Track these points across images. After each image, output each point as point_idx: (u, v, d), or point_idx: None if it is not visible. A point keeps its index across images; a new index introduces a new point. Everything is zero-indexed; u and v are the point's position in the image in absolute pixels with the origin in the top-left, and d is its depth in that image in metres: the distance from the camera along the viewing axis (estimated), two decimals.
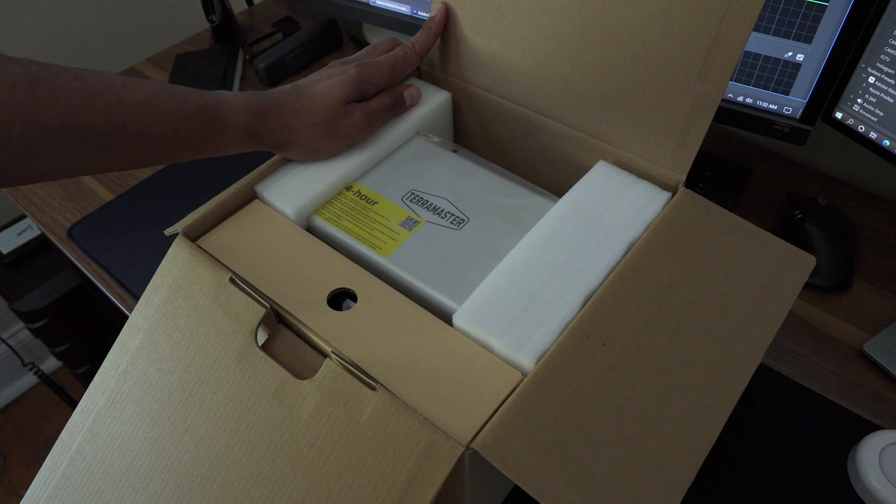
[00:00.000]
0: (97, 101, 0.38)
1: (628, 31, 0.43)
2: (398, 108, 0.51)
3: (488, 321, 0.38)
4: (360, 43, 1.01)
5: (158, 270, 0.42)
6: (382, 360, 0.37)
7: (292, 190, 0.46)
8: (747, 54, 0.60)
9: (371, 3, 0.85)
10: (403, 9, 0.82)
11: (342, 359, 0.36)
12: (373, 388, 0.35)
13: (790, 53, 0.58)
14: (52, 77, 0.37)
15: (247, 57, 0.97)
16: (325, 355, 0.38)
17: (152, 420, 0.39)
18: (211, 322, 0.39)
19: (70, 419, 0.41)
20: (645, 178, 0.46)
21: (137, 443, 0.39)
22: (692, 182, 0.43)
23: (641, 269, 0.40)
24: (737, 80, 0.63)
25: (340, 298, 0.41)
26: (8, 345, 1.40)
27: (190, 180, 0.80)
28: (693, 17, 0.40)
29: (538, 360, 0.36)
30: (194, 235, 0.44)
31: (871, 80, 0.57)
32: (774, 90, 0.61)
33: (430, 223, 0.46)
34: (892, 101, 0.56)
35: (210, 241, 0.44)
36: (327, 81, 0.47)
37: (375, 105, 0.49)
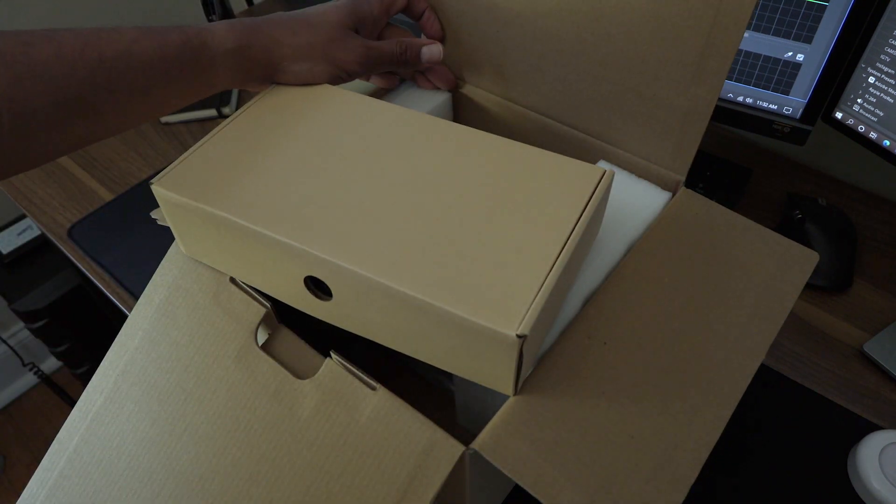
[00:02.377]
0: (77, 66, 0.35)
1: (619, 34, 0.43)
2: (410, 60, 0.47)
3: None
4: None
5: (158, 270, 0.42)
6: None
7: None
8: (747, 54, 0.60)
9: None
10: None
11: (342, 359, 0.36)
12: (373, 388, 0.35)
13: (790, 53, 0.58)
14: (25, 49, 0.34)
15: None
16: (325, 355, 0.38)
17: (151, 419, 0.39)
18: (211, 321, 0.39)
19: (68, 419, 0.41)
20: (645, 179, 0.46)
21: (136, 442, 0.39)
22: (692, 182, 0.43)
23: (642, 268, 0.40)
24: (737, 80, 0.63)
25: (316, 284, 0.38)
26: (8, 345, 1.40)
27: None
28: (683, 20, 0.40)
29: (538, 359, 0.36)
30: None
31: (871, 80, 0.56)
32: (774, 90, 0.61)
33: None
34: (892, 101, 0.56)
35: None
36: (322, 5, 0.45)
37: (379, 45, 0.45)
